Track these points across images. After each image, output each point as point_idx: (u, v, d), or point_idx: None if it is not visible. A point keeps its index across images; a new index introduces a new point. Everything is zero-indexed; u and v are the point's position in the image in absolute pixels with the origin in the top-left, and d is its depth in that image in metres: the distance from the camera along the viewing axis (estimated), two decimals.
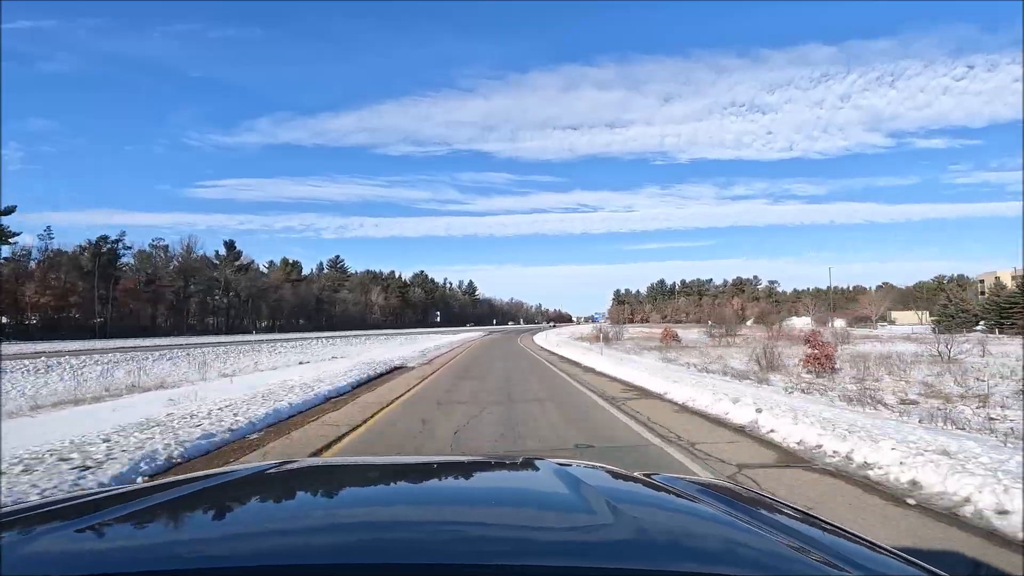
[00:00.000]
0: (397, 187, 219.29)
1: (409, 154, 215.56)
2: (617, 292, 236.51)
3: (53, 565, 0.73)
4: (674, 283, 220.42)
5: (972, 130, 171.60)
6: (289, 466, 1.46)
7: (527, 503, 1.12)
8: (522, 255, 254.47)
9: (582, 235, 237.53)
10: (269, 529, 0.91)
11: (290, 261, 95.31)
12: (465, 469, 1.55)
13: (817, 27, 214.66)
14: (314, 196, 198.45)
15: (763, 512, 1.03)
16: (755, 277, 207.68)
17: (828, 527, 0.97)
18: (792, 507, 1.14)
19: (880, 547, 0.87)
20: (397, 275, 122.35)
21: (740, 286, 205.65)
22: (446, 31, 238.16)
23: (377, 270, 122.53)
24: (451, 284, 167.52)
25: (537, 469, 1.40)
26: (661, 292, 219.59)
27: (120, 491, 1.17)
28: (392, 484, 1.34)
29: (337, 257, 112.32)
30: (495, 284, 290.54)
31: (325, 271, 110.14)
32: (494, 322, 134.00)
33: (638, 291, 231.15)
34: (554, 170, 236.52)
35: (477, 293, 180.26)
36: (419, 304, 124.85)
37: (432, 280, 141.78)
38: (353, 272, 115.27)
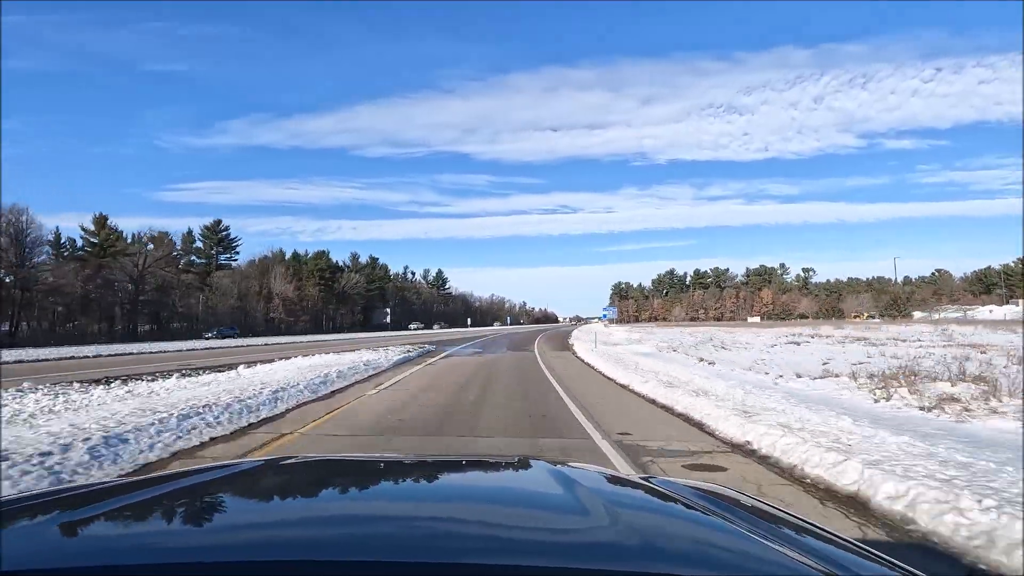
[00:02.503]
0: (376, 189, 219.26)
1: (388, 156, 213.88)
2: (618, 286, 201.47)
3: (45, 557, 0.73)
4: (685, 273, 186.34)
5: (939, 131, 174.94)
6: (285, 462, 1.47)
7: (522, 503, 1.11)
8: (503, 257, 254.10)
9: (562, 236, 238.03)
10: (260, 525, 0.91)
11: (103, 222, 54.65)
12: (460, 468, 1.57)
13: (793, 30, 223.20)
14: (290, 199, 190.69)
15: (759, 518, 1.03)
16: (782, 265, 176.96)
17: (826, 534, 0.97)
18: (790, 514, 1.12)
19: (875, 554, 0.86)
20: (325, 255, 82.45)
21: (767, 276, 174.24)
22: (428, 32, 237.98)
23: (301, 250, 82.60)
24: (412, 273, 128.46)
25: (533, 469, 1.39)
26: (671, 284, 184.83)
27: (113, 484, 1.17)
28: (387, 482, 1.33)
29: (218, 223, 71.89)
30: (475, 285, 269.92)
31: (197, 244, 69.43)
32: (468, 322, 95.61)
33: (641, 284, 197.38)
34: (534, 172, 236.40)
35: (448, 287, 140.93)
36: (359, 298, 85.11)
37: (382, 266, 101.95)
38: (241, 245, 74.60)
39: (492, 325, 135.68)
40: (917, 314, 72.68)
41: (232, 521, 0.96)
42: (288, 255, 78.36)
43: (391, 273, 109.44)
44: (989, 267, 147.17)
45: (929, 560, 2.77)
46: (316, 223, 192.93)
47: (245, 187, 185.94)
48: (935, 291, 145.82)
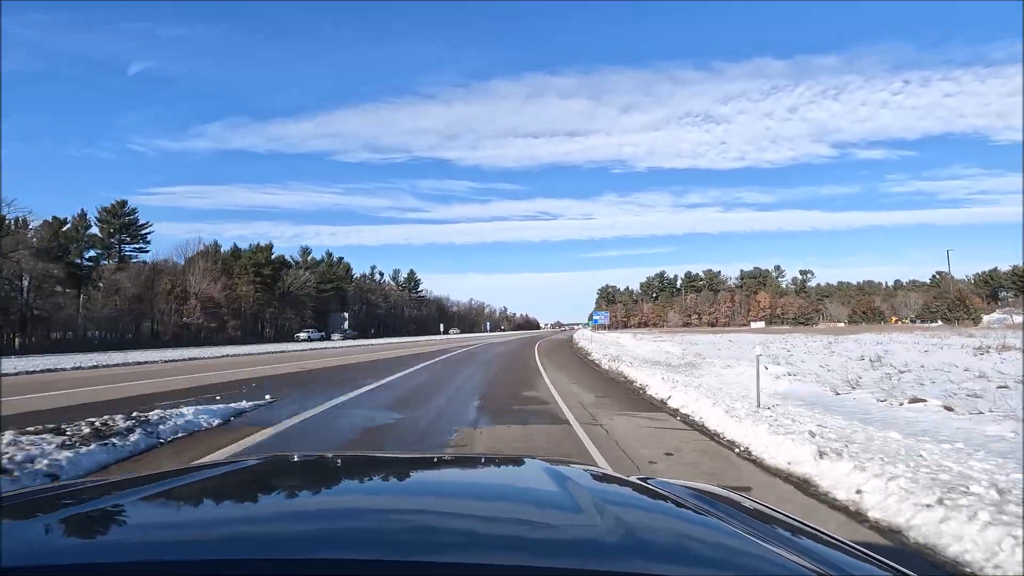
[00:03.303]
0: (355, 195, 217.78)
1: (369, 161, 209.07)
2: (605, 289, 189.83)
3: (44, 554, 0.73)
4: (675, 276, 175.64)
5: (907, 142, 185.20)
6: (283, 460, 1.49)
7: (519, 501, 1.12)
8: (483, 263, 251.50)
9: (543, 243, 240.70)
10: (257, 522, 0.92)
11: None
12: (458, 465, 1.58)
13: (769, 41, 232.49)
14: (268, 204, 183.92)
15: (756, 519, 1.03)
16: (778, 268, 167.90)
17: (820, 535, 0.97)
18: (786, 515, 1.12)
19: (869, 555, 0.86)
20: (266, 248, 68.20)
21: (761, 279, 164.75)
22: (410, 37, 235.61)
23: (244, 245, 68.34)
24: (381, 274, 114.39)
25: (530, 468, 1.41)
26: (661, 288, 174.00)
27: (111, 481, 1.17)
28: (385, 479, 1.34)
29: (122, 204, 57.07)
30: (456, 291, 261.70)
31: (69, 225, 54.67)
32: (441, 329, 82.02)
33: (629, 288, 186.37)
34: (516, 178, 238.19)
35: (421, 289, 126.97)
36: (309, 300, 70.90)
37: (341, 263, 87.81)
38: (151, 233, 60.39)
39: (472, 332, 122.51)
40: (989, 317, 61.96)
41: (230, 518, 0.96)
42: (227, 248, 63.94)
43: (353, 273, 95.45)
44: (995, 268, 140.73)
45: None
46: (295, 228, 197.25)
47: (222, 192, 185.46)
48: (939, 295, 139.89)
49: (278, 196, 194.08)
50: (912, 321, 65.59)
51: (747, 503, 1.20)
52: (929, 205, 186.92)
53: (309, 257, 79.52)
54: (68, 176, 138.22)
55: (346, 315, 76.56)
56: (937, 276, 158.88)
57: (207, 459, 4.71)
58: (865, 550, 0.88)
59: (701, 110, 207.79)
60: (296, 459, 1.63)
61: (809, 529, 0.99)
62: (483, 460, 1.76)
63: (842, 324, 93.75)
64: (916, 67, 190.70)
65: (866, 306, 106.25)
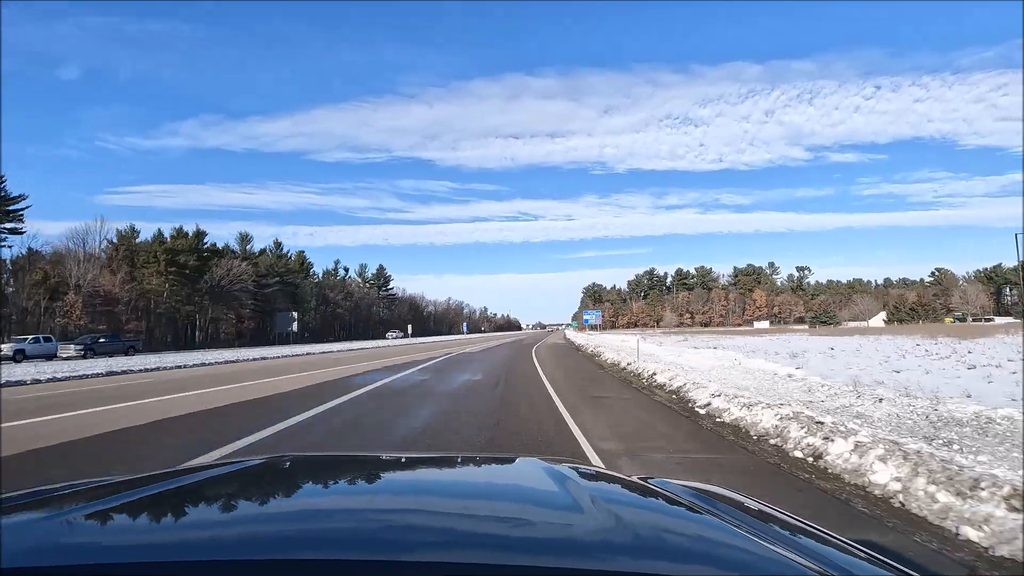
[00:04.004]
0: (334, 195, 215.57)
1: (347, 160, 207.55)
2: (590, 288, 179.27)
3: (44, 555, 0.73)
4: (665, 273, 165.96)
5: (879, 146, 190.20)
6: (285, 460, 1.49)
7: (518, 500, 1.12)
8: (464, 264, 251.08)
9: (523, 243, 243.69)
10: (260, 523, 0.93)
11: None
12: (459, 464, 1.58)
13: (746, 46, 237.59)
14: (244, 204, 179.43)
15: (756, 518, 1.04)
16: (772, 265, 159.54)
17: (819, 533, 0.97)
18: (786, 514, 1.12)
19: (870, 555, 0.86)
20: (190, 234, 55.69)
21: (755, 276, 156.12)
22: (389, 36, 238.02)
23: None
24: (346, 270, 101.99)
25: (529, 467, 1.42)
26: (651, 286, 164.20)
27: (114, 481, 1.17)
28: (386, 479, 1.34)
29: None
30: (436, 292, 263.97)
31: None
32: (409, 330, 69.93)
33: (616, 286, 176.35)
34: (496, 179, 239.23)
35: (392, 287, 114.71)
36: (247, 297, 58.52)
37: (290, 256, 75.57)
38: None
39: (449, 334, 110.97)
40: None
41: (233, 519, 0.96)
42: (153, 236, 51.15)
43: (312, 268, 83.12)
44: (1000, 264, 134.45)
45: None
46: (272, 228, 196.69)
47: (196, 191, 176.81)
48: (942, 291, 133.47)
49: (254, 196, 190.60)
50: (974, 320, 56.32)
51: (748, 502, 1.18)
52: (899, 207, 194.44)
53: (249, 246, 66.84)
54: (32, 174, 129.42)
55: (294, 315, 64.22)
56: (936, 272, 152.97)
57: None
58: (868, 551, 0.87)
59: (680, 112, 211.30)
60: (298, 459, 1.63)
61: (811, 529, 0.98)
62: (484, 459, 1.79)
63: (874, 324, 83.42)
64: (887, 73, 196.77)
65: (916, 301, 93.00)
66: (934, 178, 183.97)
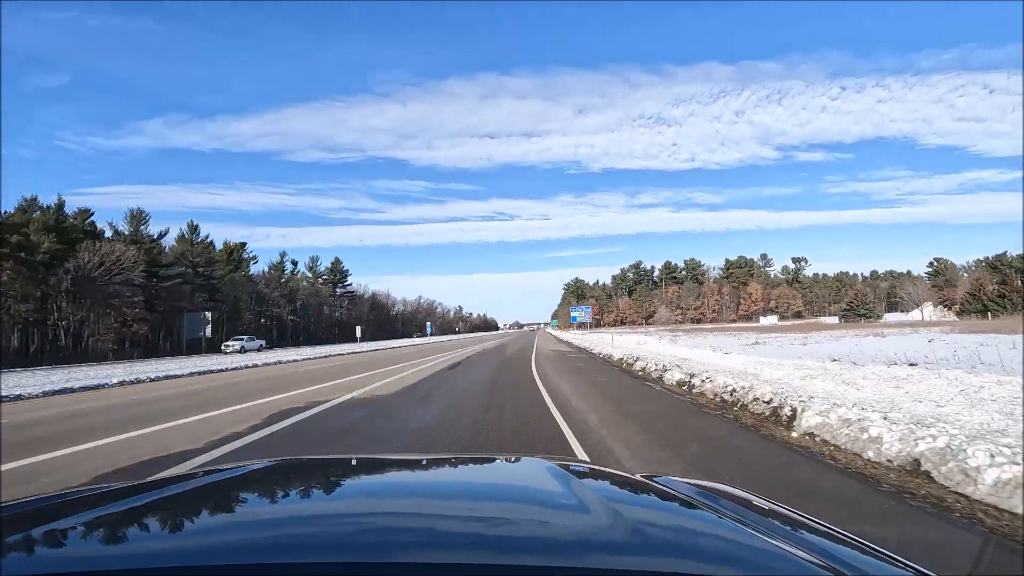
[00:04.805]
0: (307, 195, 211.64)
1: (320, 160, 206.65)
2: (573, 284, 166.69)
3: (48, 562, 0.73)
4: (652, 267, 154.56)
5: (844, 145, 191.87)
6: (283, 464, 1.48)
7: (522, 500, 1.11)
8: (439, 264, 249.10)
9: (500, 243, 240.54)
10: (264, 526, 0.92)
11: None
12: (463, 465, 1.60)
13: (717, 47, 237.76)
14: (214, 205, 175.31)
15: (763, 515, 1.03)
16: (764, 257, 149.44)
17: (827, 531, 0.96)
18: (793, 511, 1.11)
19: (880, 551, 0.86)
20: (51, 209, 40.90)
21: (747, 268, 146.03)
22: (362, 34, 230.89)
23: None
24: (293, 263, 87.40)
25: (533, 467, 1.42)
26: (637, 280, 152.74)
27: (115, 488, 1.16)
28: (390, 481, 1.34)
29: None
30: (411, 293, 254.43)
31: None
32: (358, 335, 55.62)
33: (600, 282, 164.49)
34: (472, 179, 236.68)
35: (350, 283, 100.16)
36: (124, 290, 43.84)
37: (190, 230, 60.79)
38: None
39: (412, 337, 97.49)
40: None
41: (235, 524, 0.95)
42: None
43: (246, 258, 68.44)
44: (1005, 253, 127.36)
45: None
46: (243, 230, 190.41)
47: (163, 192, 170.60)
48: (946, 281, 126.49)
49: (224, 196, 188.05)
50: None
51: (755, 500, 1.17)
52: (865, 205, 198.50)
53: (143, 227, 51.98)
54: None
55: (208, 315, 49.83)
56: (935, 262, 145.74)
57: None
58: (880, 548, 0.86)
59: (653, 112, 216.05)
60: (300, 462, 1.62)
61: (821, 527, 0.97)
62: (490, 460, 1.82)
63: (940, 315, 69.41)
64: (851, 74, 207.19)
65: (1008, 286, 74.15)
66: (897, 176, 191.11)
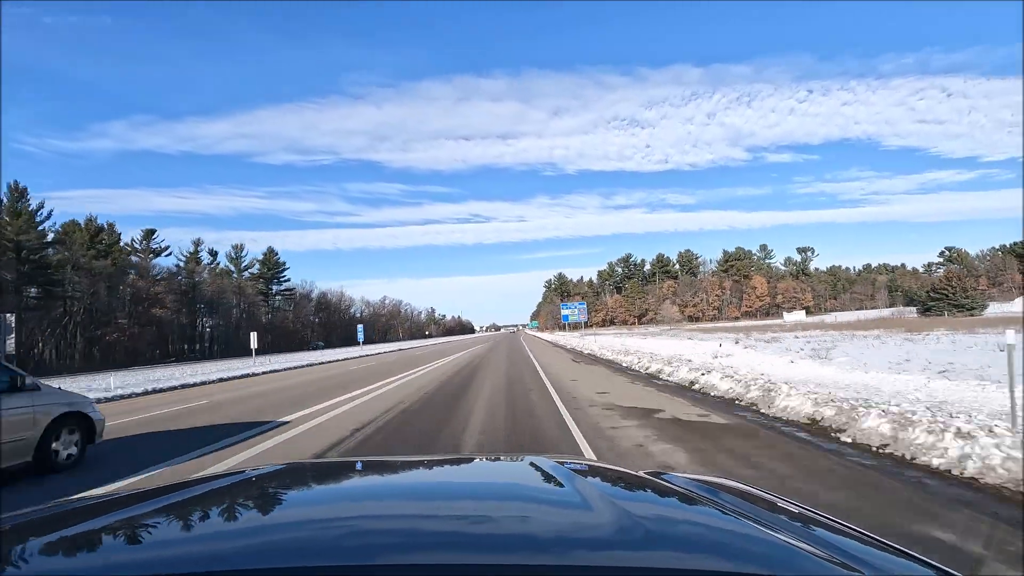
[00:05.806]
0: (280, 199, 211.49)
1: (292, 163, 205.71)
2: (557, 281, 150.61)
3: (56, 572, 0.73)
4: (643, 260, 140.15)
5: (811, 146, 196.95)
6: (290, 469, 1.50)
7: (528, 500, 1.12)
8: (415, 267, 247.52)
9: (476, 245, 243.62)
10: (270, 531, 0.93)
11: None
12: (466, 466, 1.63)
13: (688, 50, 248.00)
14: (183, 209, 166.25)
15: (770, 511, 1.03)
16: (764, 248, 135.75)
17: (833, 524, 0.96)
18: (798, 505, 1.12)
19: (887, 544, 0.86)
20: None
21: (745, 260, 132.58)
22: (335, 34, 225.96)
23: None
24: (214, 254, 69.54)
25: (537, 466, 1.43)
26: (628, 275, 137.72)
27: (121, 496, 1.16)
28: (395, 483, 1.35)
29: None
30: (380, 296, 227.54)
31: None
32: (253, 344, 39.82)
33: (585, 278, 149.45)
34: (447, 181, 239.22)
35: (287, 278, 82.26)
36: None
37: (13, 193, 42.36)
38: None
39: (382, 341, 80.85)
40: None
41: (244, 530, 0.95)
42: None
43: (113, 241, 50.48)
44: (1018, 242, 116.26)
45: None
46: (214, 234, 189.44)
47: (129, 196, 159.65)
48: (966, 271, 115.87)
49: (193, 200, 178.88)
50: None
51: (759, 495, 1.17)
52: (831, 205, 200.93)
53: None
54: None
55: (10, 318, 32.19)
56: (947, 252, 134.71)
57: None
58: (886, 540, 0.86)
59: (627, 114, 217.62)
60: (307, 466, 1.63)
61: (824, 520, 0.97)
62: (492, 461, 1.85)
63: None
64: (817, 77, 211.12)
65: None
66: (861, 177, 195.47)
